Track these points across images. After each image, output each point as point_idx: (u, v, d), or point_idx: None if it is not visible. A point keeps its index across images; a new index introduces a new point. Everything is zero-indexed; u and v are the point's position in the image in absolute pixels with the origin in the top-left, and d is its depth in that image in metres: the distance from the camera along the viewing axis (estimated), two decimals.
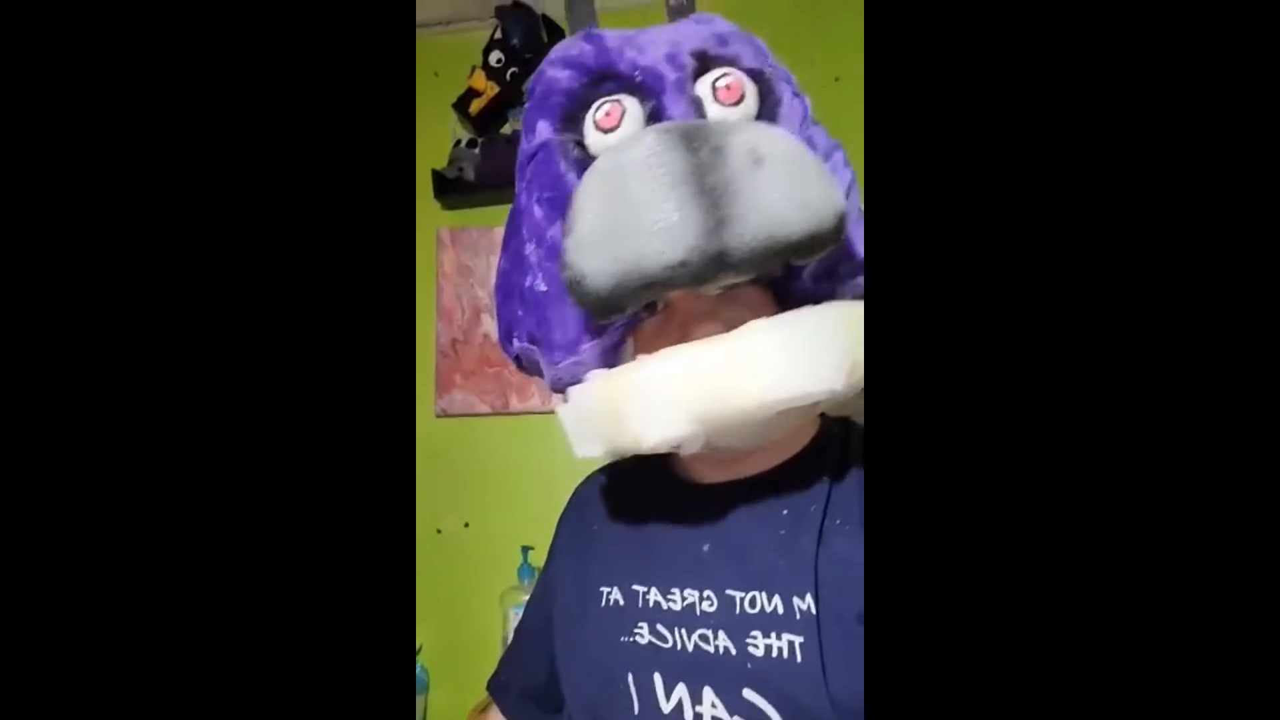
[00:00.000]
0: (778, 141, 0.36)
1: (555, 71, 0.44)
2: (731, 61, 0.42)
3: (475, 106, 1.26)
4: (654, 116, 0.41)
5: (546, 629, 0.52)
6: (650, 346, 0.40)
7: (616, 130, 0.41)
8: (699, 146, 0.34)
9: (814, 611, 0.38)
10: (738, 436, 0.40)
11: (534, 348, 0.44)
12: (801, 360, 0.36)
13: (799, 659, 0.37)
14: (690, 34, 0.43)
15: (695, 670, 0.40)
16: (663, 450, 0.39)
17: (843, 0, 1.23)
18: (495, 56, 1.26)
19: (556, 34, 1.27)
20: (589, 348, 0.42)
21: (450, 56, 1.32)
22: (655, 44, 0.42)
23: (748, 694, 0.38)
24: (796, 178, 0.34)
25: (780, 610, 0.39)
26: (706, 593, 0.42)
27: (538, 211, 0.42)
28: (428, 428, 1.22)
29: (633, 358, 0.42)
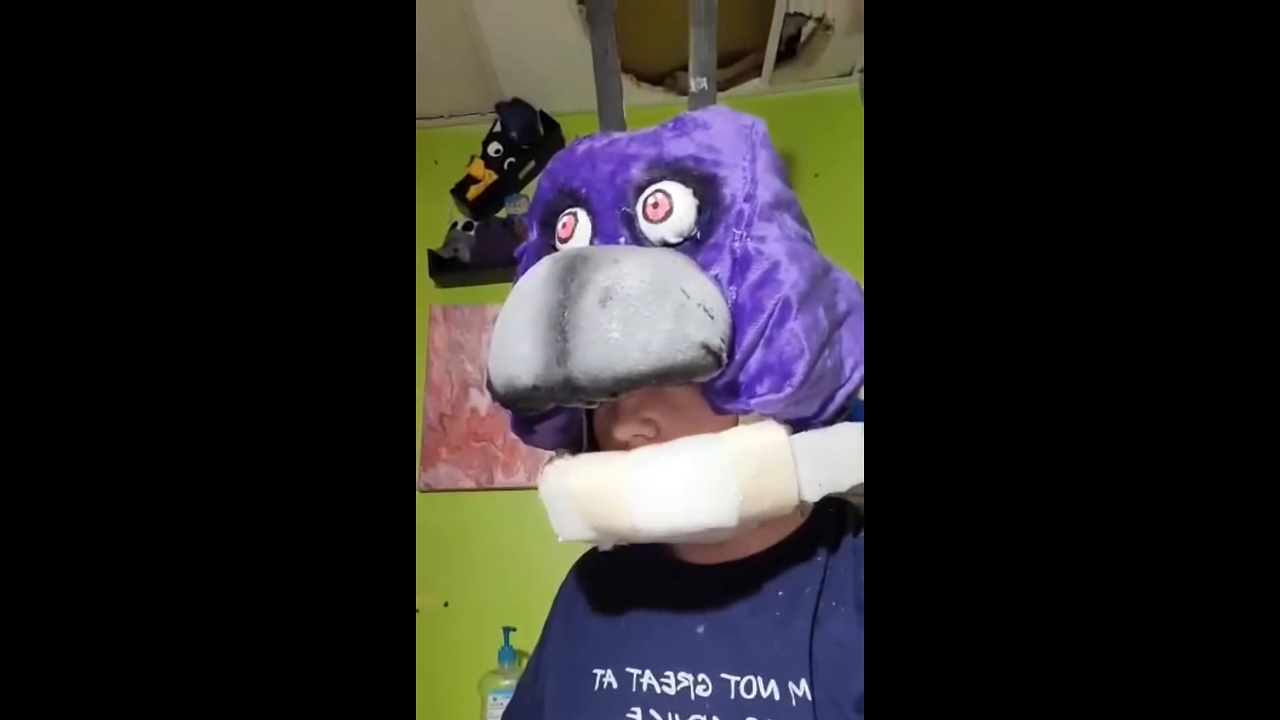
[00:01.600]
0: (636, 279, 0.38)
1: (542, 180, 0.50)
2: (684, 172, 0.44)
3: (473, 192, 1.32)
4: (595, 231, 0.45)
5: (536, 714, 0.51)
6: (600, 427, 0.45)
7: (570, 240, 0.46)
8: (570, 280, 0.38)
9: (810, 698, 0.38)
10: (665, 538, 0.43)
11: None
12: (682, 496, 0.39)
13: None
14: (648, 146, 0.46)
15: None
16: (580, 543, 0.43)
17: (818, 100, 1.32)
18: (494, 147, 1.33)
19: (553, 128, 1.35)
20: (541, 429, 0.47)
21: (450, 146, 1.39)
22: (609, 159, 0.46)
23: None
24: (639, 318, 0.37)
25: (776, 696, 0.39)
26: (701, 676, 0.41)
27: None
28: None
29: (586, 438, 0.48)
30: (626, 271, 0.38)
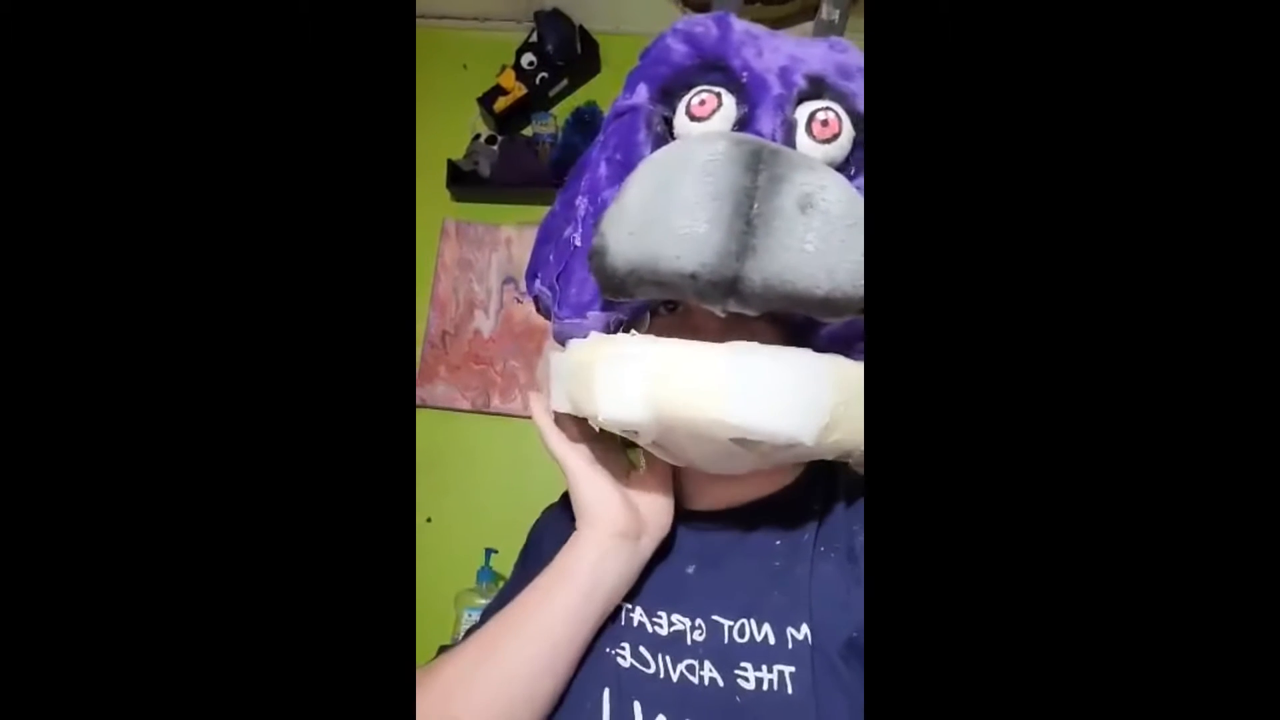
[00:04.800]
0: (838, 196, 0.34)
1: (674, 42, 0.43)
2: (844, 97, 0.40)
3: (500, 104, 1.26)
4: (744, 123, 0.40)
5: None
6: (667, 325, 0.40)
7: (706, 122, 0.40)
8: (761, 169, 0.33)
9: (810, 641, 0.37)
10: (692, 449, 0.39)
11: (550, 294, 0.44)
12: (771, 397, 0.35)
13: (790, 690, 0.36)
14: (815, 56, 0.41)
15: (679, 701, 0.38)
16: (618, 429, 0.38)
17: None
18: (528, 59, 1.26)
19: (591, 47, 1.28)
20: (596, 316, 0.41)
21: (482, 52, 1.32)
22: (776, 53, 0.41)
23: None
24: (835, 239, 0.33)
25: (772, 640, 0.38)
26: (697, 621, 0.40)
27: (603, 169, 0.42)
28: None
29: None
30: (826, 183, 0.34)
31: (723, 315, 0.38)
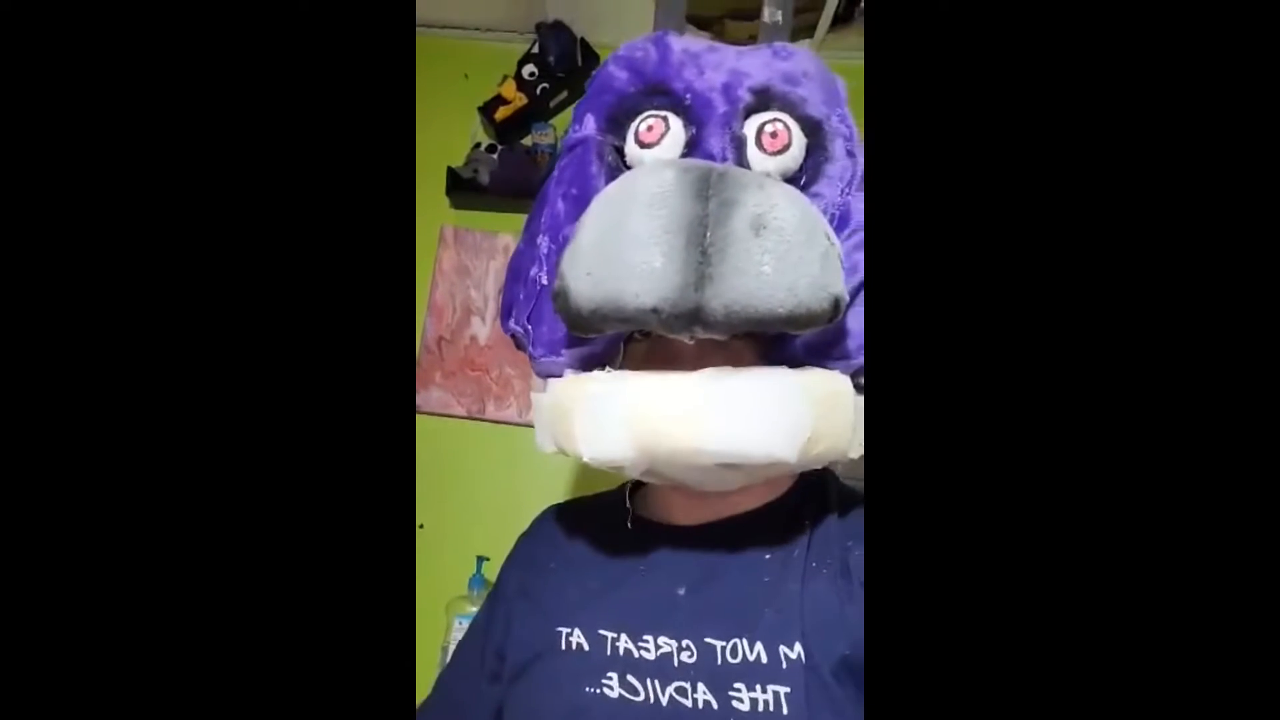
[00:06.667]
0: (790, 213, 0.34)
1: (616, 69, 0.43)
2: (792, 105, 0.40)
3: (501, 113, 1.27)
4: (693, 144, 0.40)
5: (480, 674, 0.48)
6: (635, 366, 0.40)
7: (655, 148, 0.40)
8: (711, 196, 0.33)
9: (803, 660, 0.36)
10: (684, 475, 0.39)
11: (524, 333, 0.44)
12: (747, 421, 0.35)
13: (785, 711, 0.36)
14: (758, 66, 0.41)
15: None
16: (604, 466, 0.38)
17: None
18: (529, 70, 1.28)
19: (592, 59, 1.29)
20: (570, 353, 0.41)
21: (483, 61, 1.33)
22: (718, 69, 0.41)
23: None
24: (792, 256, 0.33)
25: (765, 660, 0.37)
26: (685, 642, 0.39)
27: (560, 205, 0.42)
28: None
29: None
30: (775, 201, 0.34)
31: (691, 341, 0.38)
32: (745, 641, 0.38)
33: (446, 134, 1.30)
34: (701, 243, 0.33)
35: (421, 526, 1.18)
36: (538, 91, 1.27)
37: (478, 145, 1.30)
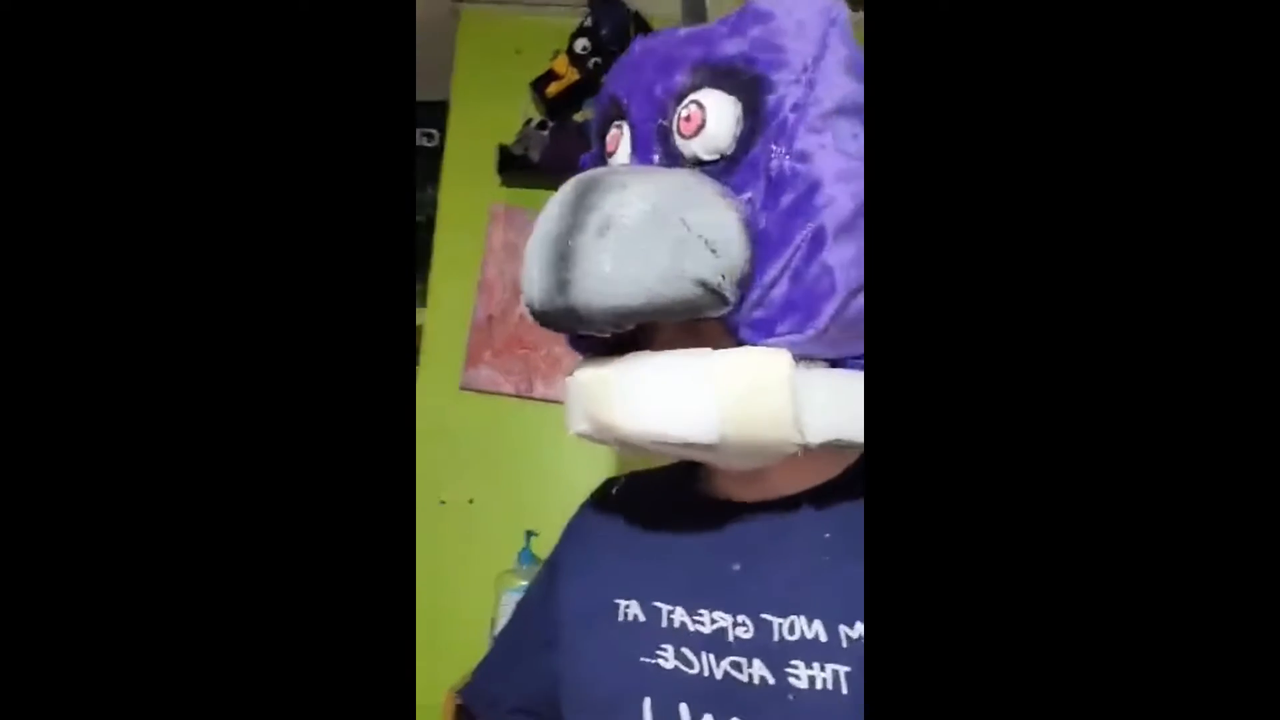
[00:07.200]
0: (637, 209, 0.36)
1: (603, 85, 0.47)
2: (724, 75, 0.39)
3: (553, 89, 1.26)
4: (633, 146, 0.43)
5: (538, 641, 0.50)
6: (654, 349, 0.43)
7: (614, 156, 0.44)
8: (579, 205, 0.37)
9: (863, 640, 0.36)
10: (637, 452, 0.43)
11: None
12: (659, 402, 0.38)
13: (844, 691, 0.35)
14: (692, 48, 0.41)
15: (724, 700, 0.38)
16: (583, 437, 0.43)
17: None
18: (581, 44, 1.26)
19: (645, 31, 1.26)
20: (574, 345, 0.47)
21: (535, 37, 1.32)
22: (652, 64, 0.43)
23: None
24: (633, 253, 0.35)
25: (823, 638, 0.37)
26: (740, 617, 0.40)
27: None
28: (449, 399, 1.22)
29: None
30: (628, 200, 0.36)
31: (607, 336, 0.41)
32: (804, 619, 0.38)
33: (498, 111, 1.30)
34: (564, 252, 0.36)
35: (471, 502, 1.20)
36: (590, 66, 1.25)
37: (529, 122, 1.29)
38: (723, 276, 0.36)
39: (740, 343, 0.39)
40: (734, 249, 0.36)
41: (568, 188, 0.39)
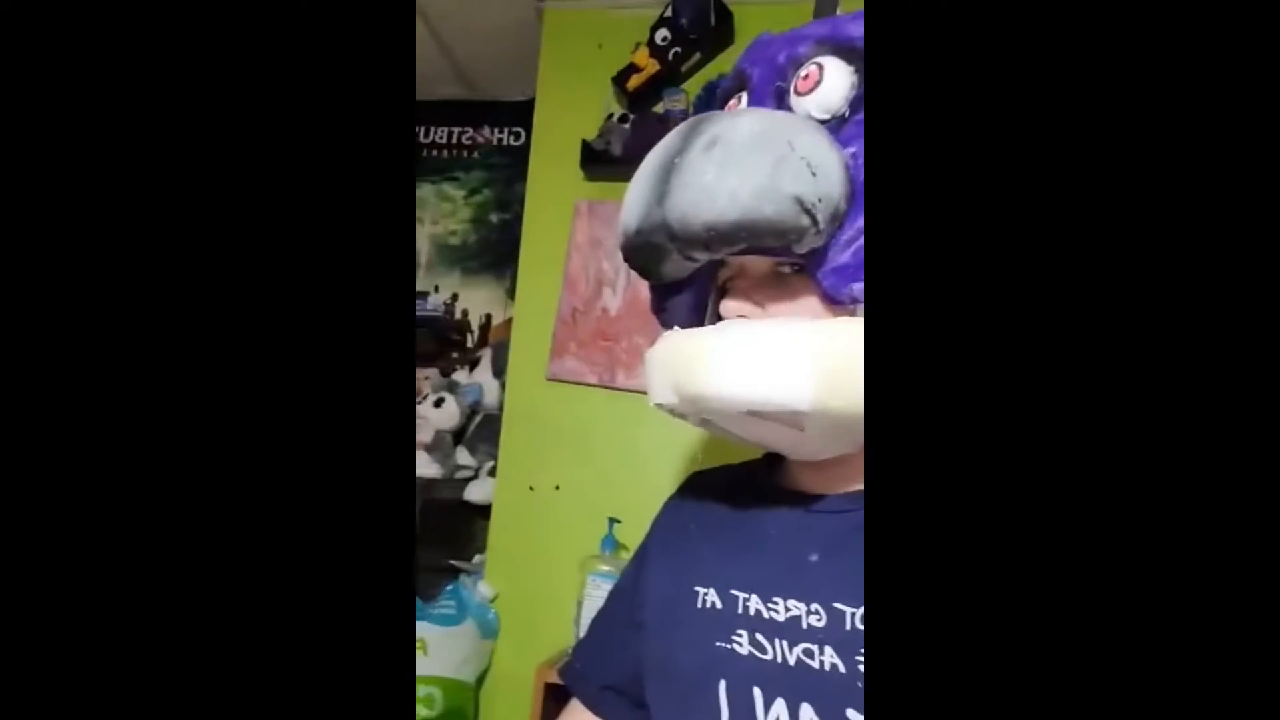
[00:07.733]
0: (745, 128, 0.37)
1: (731, 71, 0.49)
2: (843, 49, 0.41)
3: (634, 82, 1.27)
4: (749, 104, 0.45)
5: (628, 623, 0.52)
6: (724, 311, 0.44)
7: None
8: (693, 130, 0.38)
9: None
10: (724, 426, 0.43)
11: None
12: (754, 370, 0.38)
13: None
14: (820, 29, 0.44)
15: (795, 686, 0.39)
16: (665, 411, 0.44)
17: None
18: (661, 34, 1.26)
19: (726, 19, 1.25)
20: (671, 306, 0.47)
21: (616, 31, 1.33)
22: (782, 41, 0.45)
23: (851, 714, 0.37)
24: (736, 165, 0.36)
25: None
26: (814, 606, 0.40)
27: None
28: (537, 389, 1.26)
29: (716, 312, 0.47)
30: (740, 122, 0.38)
31: (697, 263, 0.41)
32: None
33: (582, 106, 1.32)
34: (669, 169, 0.38)
35: (557, 488, 1.24)
36: (670, 56, 1.25)
37: (610, 116, 1.31)
38: (819, 199, 0.36)
39: (824, 293, 0.40)
40: (834, 176, 0.37)
41: (681, 125, 0.40)
